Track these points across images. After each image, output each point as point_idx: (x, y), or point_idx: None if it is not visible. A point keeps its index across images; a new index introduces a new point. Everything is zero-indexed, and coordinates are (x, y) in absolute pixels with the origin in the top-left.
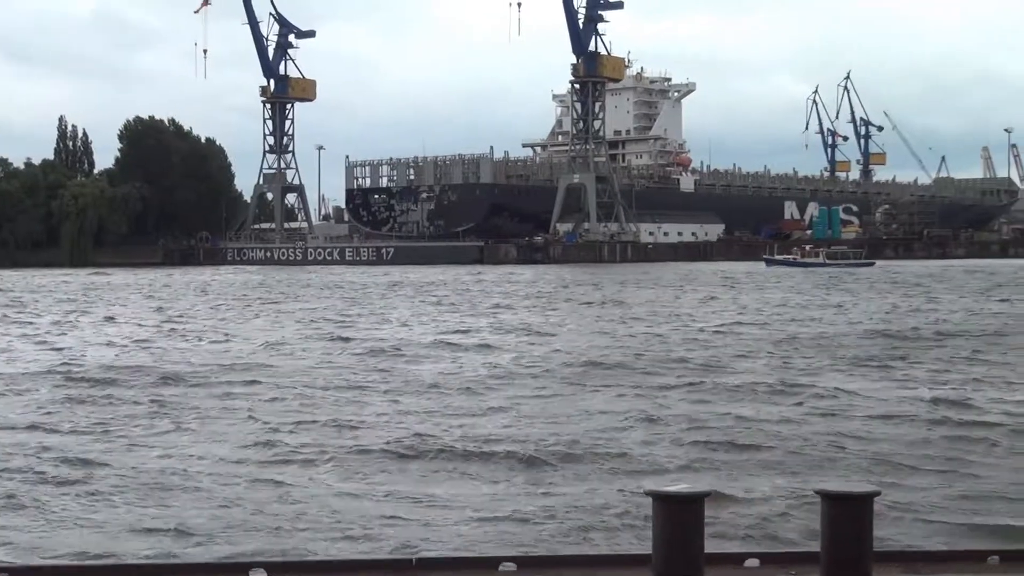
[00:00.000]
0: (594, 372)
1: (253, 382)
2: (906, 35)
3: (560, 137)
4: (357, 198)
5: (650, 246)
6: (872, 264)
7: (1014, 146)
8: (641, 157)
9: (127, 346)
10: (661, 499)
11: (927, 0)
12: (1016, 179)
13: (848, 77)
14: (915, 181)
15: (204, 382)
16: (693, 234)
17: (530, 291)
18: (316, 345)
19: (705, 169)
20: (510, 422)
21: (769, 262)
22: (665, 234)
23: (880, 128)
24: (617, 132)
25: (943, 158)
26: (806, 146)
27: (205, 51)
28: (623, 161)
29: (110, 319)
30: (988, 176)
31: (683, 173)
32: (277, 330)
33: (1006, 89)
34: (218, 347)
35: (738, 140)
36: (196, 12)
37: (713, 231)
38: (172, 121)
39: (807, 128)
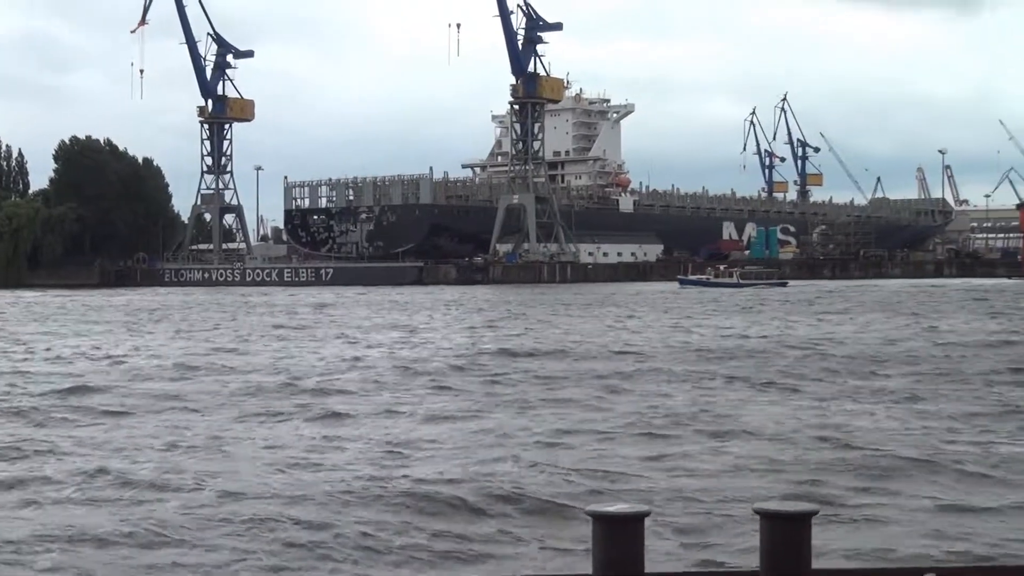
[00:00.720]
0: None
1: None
2: (833, 57)
3: (500, 158)
4: (296, 219)
5: (589, 266)
6: (785, 284)
7: (948, 167)
8: (580, 178)
9: None
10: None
11: (849, 23)
12: (950, 200)
13: (785, 99)
14: (851, 202)
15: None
16: (632, 254)
17: (452, 309)
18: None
19: (644, 190)
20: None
21: (683, 282)
22: (604, 254)
23: (817, 149)
24: (556, 153)
25: (879, 179)
26: (744, 167)
27: (141, 71)
28: (563, 182)
29: None
30: (923, 197)
31: (622, 194)
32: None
33: (933, 110)
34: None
35: (677, 161)
36: (133, 32)
37: (652, 251)
38: (108, 141)
39: (745, 149)
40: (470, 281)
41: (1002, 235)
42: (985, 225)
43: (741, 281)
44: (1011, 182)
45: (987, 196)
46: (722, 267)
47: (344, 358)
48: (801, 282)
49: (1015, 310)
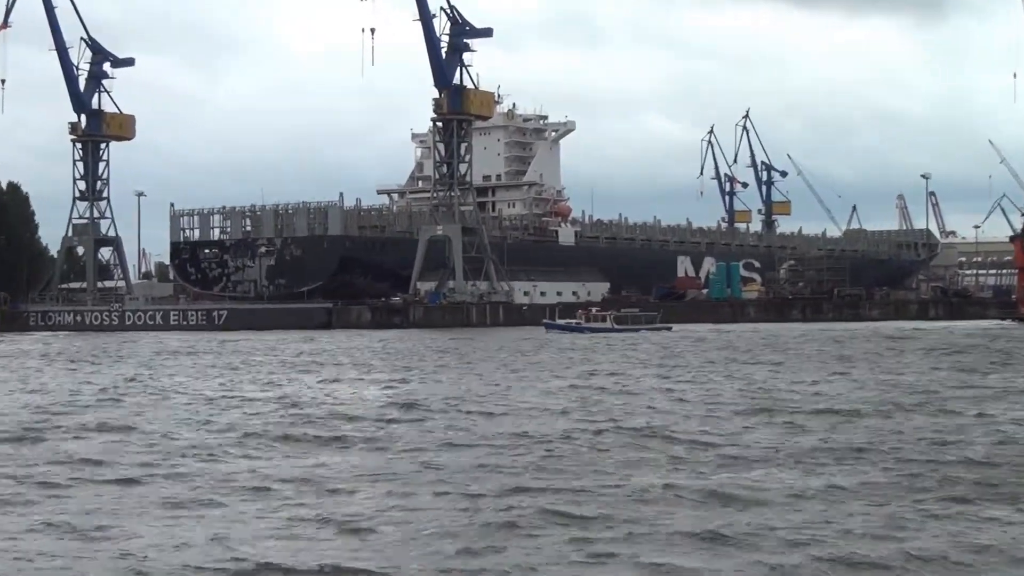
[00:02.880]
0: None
1: None
2: (786, 71)
3: (421, 183)
4: (184, 253)
5: (525, 307)
6: (669, 329)
7: (932, 194)
8: (514, 206)
9: None
10: None
11: (804, 30)
12: (935, 230)
13: (747, 116)
14: (823, 233)
15: None
16: (574, 293)
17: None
18: None
19: (587, 219)
20: None
21: (549, 327)
22: (542, 294)
23: (784, 173)
24: (487, 177)
25: (854, 208)
26: (701, 193)
27: (3, 81)
28: (493, 210)
29: None
30: (904, 227)
31: (562, 224)
32: None
33: (905, 129)
34: None
35: (624, 187)
36: None
37: (597, 290)
38: None
39: (702, 173)
40: (387, 324)
41: (994, 271)
42: (975, 260)
43: (616, 326)
44: (1003, 210)
45: (976, 227)
46: (594, 310)
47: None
48: (767, 325)
49: (999, 362)
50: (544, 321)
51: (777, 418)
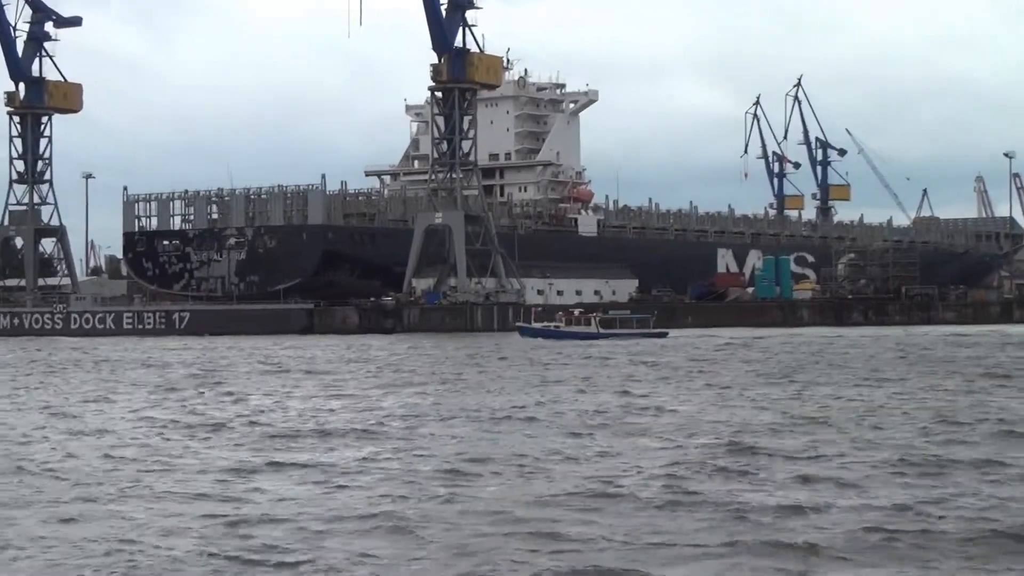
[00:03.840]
0: None
1: None
2: (842, 32)
3: (416, 163)
4: (139, 245)
5: (539, 308)
6: (664, 335)
7: (1016, 175)
8: (526, 190)
9: None
10: None
11: None
12: (1020, 218)
13: (799, 84)
14: (889, 222)
15: None
16: (596, 293)
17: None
18: None
19: (612, 206)
20: None
21: (524, 332)
22: (559, 293)
23: (842, 152)
24: (494, 156)
25: (925, 192)
26: (745, 175)
27: None
28: (502, 195)
29: None
30: (984, 215)
31: (582, 211)
32: None
33: (985, 100)
34: None
35: (655, 168)
36: None
37: (623, 288)
38: None
39: (746, 152)
40: (377, 329)
41: None
42: None
43: (601, 330)
44: None
45: None
46: (576, 312)
47: None
48: (823, 330)
49: None
50: (517, 324)
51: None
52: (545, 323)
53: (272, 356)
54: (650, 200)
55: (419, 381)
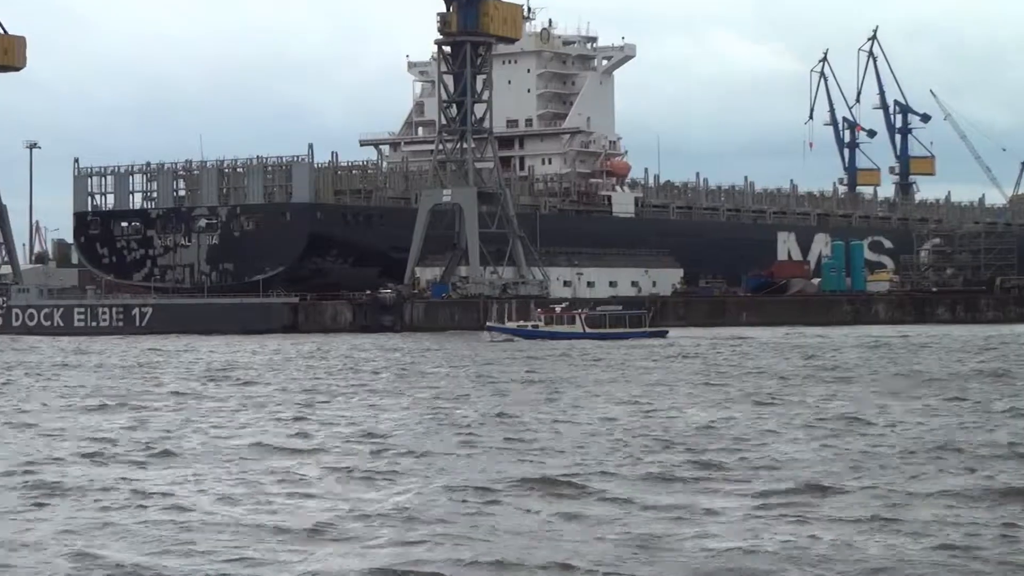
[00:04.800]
0: None
1: None
2: None
3: (421, 130)
4: (93, 227)
5: (565, 303)
6: (663, 334)
7: None
8: (551, 162)
9: None
10: None
11: None
12: None
13: (874, 38)
14: (981, 201)
15: None
16: (634, 284)
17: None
18: None
19: (652, 181)
20: None
21: (494, 331)
22: (590, 284)
23: (926, 118)
24: (513, 123)
25: None
26: (810, 145)
27: None
28: (522, 168)
29: None
30: None
31: (617, 187)
32: None
33: None
34: None
35: (702, 136)
36: None
37: (665, 279)
38: None
39: (812, 118)
40: (374, 327)
41: None
42: None
43: (588, 329)
44: None
45: None
46: (557, 308)
47: None
48: (904, 328)
49: None
50: (487, 324)
51: None
52: (521, 322)
53: (234, 362)
54: (697, 175)
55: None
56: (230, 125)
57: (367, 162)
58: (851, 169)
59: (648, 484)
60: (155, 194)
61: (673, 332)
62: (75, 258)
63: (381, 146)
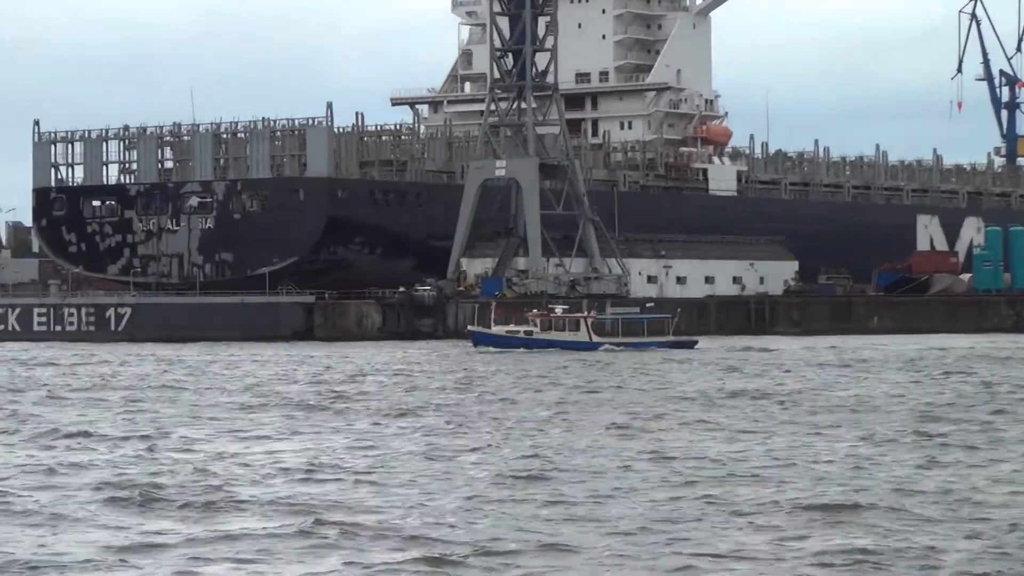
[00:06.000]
0: None
1: None
2: None
3: (469, 86)
4: (58, 207)
5: (650, 304)
6: (691, 345)
7: None
8: (631, 126)
9: None
10: None
11: None
12: None
13: None
14: None
15: None
16: (736, 280)
17: None
18: None
19: (759, 151)
20: None
21: (480, 339)
22: (679, 280)
23: None
24: (583, 77)
25: None
26: (958, 106)
27: None
28: (595, 134)
29: None
30: None
31: (715, 158)
32: None
33: None
34: None
35: (820, 95)
36: None
37: (777, 273)
38: None
39: (960, 72)
40: (410, 332)
41: None
42: None
43: (595, 338)
44: None
45: None
46: (558, 309)
47: None
48: None
49: None
50: (469, 328)
51: None
52: (512, 328)
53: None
54: (816, 143)
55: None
56: (228, 80)
57: (400, 126)
58: (1010, 136)
59: None
60: (134, 165)
61: (785, 342)
62: (35, 246)
63: (418, 106)
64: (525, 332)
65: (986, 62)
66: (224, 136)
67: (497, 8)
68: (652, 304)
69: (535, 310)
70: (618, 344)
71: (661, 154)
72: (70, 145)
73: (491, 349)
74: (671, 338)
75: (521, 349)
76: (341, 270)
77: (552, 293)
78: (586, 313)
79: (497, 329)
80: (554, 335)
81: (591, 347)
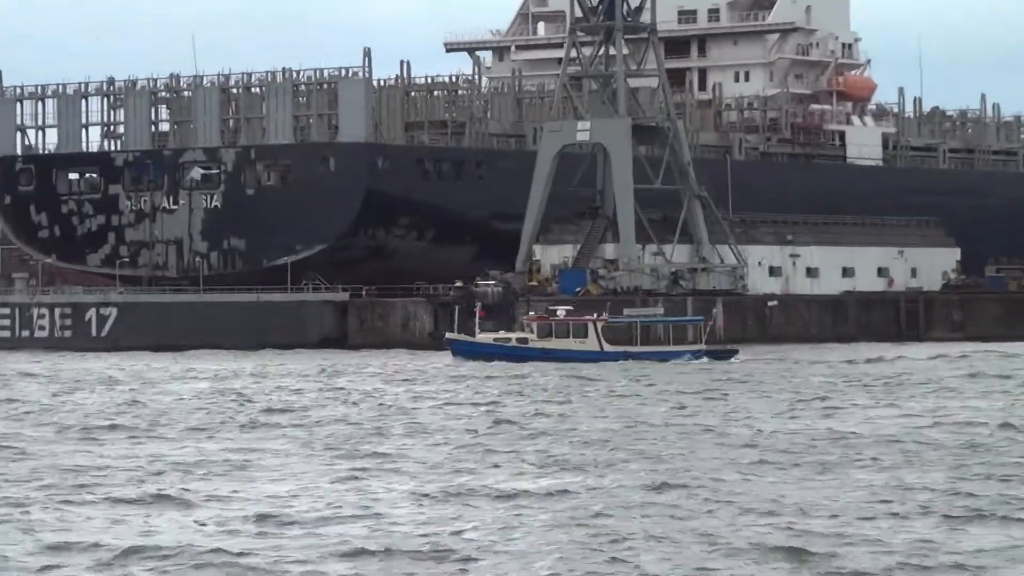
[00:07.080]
0: None
1: None
2: None
3: (543, 28)
4: (24, 180)
5: (772, 304)
6: (730, 356)
7: None
8: (749, 78)
9: None
10: None
11: None
12: None
13: None
14: None
15: None
16: (881, 272)
17: None
18: None
19: (910, 109)
20: None
21: (460, 350)
22: (810, 272)
23: None
24: (687, 15)
25: None
26: None
27: None
28: (703, 89)
29: None
30: None
31: (855, 118)
32: None
33: None
34: None
35: (989, 40)
36: None
37: (933, 263)
38: None
39: None
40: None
41: None
42: None
43: (606, 347)
44: None
45: None
46: (560, 311)
47: None
48: None
49: None
50: (447, 336)
51: None
52: (501, 335)
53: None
54: (982, 98)
55: None
56: (238, 21)
57: (457, 78)
58: None
59: None
60: (121, 128)
61: (944, 348)
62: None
63: (479, 52)
64: (518, 340)
65: None
66: (234, 91)
67: None
68: (775, 303)
69: (531, 312)
70: (635, 354)
71: (786, 113)
72: (40, 103)
73: (473, 361)
74: (706, 347)
75: (510, 361)
76: (382, 260)
77: (649, 289)
78: (596, 315)
79: (483, 336)
80: (554, 343)
81: (601, 358)
